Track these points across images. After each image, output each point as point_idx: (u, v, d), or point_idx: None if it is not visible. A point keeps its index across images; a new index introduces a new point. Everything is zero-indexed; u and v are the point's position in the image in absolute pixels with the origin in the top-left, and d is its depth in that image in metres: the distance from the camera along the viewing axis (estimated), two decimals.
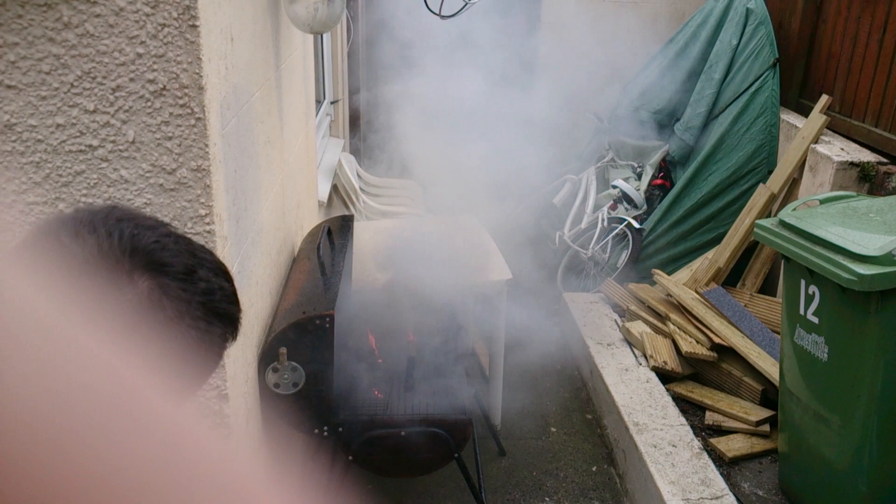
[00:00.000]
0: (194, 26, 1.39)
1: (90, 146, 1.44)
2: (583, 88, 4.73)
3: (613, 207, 4.68)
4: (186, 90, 1.42)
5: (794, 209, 2.63)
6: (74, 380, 0.31)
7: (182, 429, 0.33)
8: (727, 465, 3.01)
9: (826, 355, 2.46)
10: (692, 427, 3.04)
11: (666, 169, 4.76)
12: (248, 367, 1.98)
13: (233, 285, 0.80)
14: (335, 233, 2.66)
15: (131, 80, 1.40)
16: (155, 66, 1.40)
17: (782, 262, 2.67)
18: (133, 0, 1.36)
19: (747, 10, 4.47)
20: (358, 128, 5.15)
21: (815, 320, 2.48)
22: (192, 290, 0.73)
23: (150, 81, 1.41)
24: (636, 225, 4.44)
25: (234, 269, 1.63)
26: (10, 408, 0.29)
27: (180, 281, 0.72)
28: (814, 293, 2.47)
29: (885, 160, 3.53)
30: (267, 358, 2.11)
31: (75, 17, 1.36)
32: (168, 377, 0.36)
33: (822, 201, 2.69)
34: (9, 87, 1.38)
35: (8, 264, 0.39)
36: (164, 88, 1.41)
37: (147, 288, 0.70)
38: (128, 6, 1.36)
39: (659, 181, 4.72)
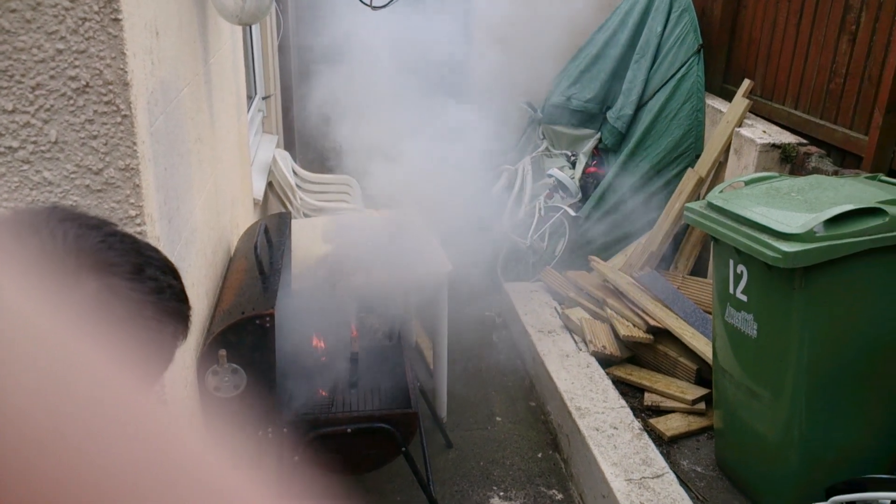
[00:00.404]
0: (117, 20, 1.34)
1: (10, 148, 1.37)
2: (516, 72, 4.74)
3: (549, 196, 4.74)
4: (111, 87, 1.37)
5: (721, 191, 2.71)
6: (60, 382, 0.31)
7: (163, 427, 0.33)
8: (667, 444, 3.10)
9: (755, 332, 2.55)
10: (632, 409, 3.11)
11: (599, 157, 4.85)
12: (186, 372, 1.93)
13: (181, 282, 0.79)
14: (272, 231, 2.61)
15: (52, 77, 1.35)
16: (77, 63, 1.35)
17: (712, 243, 2.75)
18: None
19: None
20: (292, 123, 5.07)
21: (744, 298, 2.57)
22: (142, 290, 0.71)
23: (72, 78, 1.35)
24: (572, 213, 4.51)
25: None
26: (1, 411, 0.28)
27: (129, 280, 0.70)
28: (742, 272, 2.56)
29: (804, 141, 3.68)
30: (206, 361, 2.06)
31: None
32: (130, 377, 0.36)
33: (747, 183, 2.78)
34: None
35: None
36: (87, 85, 1.36)
37: (95, 289, 0.67)
38: (45, 0, 1.31)
39: (592, 169, 4.80)
